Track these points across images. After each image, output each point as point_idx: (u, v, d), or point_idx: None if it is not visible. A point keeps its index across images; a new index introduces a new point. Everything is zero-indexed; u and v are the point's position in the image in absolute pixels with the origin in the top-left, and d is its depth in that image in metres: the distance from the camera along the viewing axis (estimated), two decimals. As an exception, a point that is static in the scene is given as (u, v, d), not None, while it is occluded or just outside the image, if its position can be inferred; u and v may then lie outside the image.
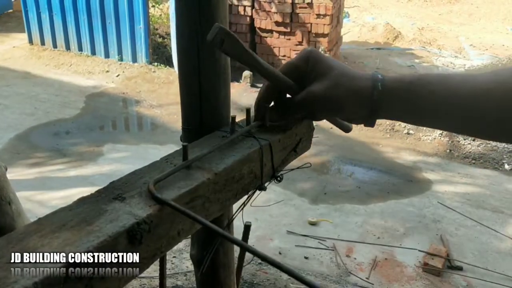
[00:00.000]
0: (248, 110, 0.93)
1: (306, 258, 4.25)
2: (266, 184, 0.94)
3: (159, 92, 7.82)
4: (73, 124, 6.77)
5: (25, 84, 8.03)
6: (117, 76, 8.44)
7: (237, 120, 0.95)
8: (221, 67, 0.92)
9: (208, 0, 0.92)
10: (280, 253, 4.28)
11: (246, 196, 0.94)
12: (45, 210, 4.59)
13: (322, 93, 0.76)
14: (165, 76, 8.28)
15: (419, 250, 4.31)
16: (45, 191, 5.02)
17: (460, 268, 4.12)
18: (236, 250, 1.28)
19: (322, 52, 0.73)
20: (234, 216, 1.08)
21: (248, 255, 1.27)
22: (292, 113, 0.82)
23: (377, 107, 0.74)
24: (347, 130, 0.92)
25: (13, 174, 4.72)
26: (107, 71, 8.61)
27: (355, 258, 4.25)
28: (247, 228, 1.16)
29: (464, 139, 6.32)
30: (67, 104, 7.38)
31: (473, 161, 6.01)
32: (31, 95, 7.61)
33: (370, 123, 0.78)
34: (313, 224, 4.67)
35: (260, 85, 7.53)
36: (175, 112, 7.00)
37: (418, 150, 6.25)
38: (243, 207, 0.99)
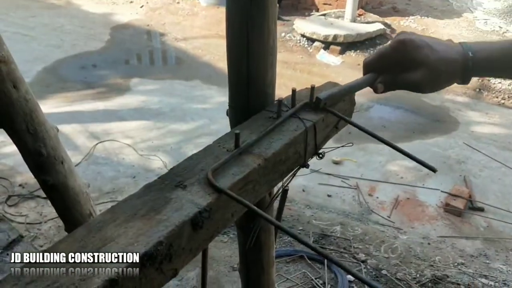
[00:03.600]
0: (294, 91, 0.96)
1: (329, 196, 4.36)
2: (308, 161, 0.99)
3: (184, 25, 7.72)
4: (100, 57, 6.80)
5: (49, 15, 8.00)
6: (141, 7, 8.32)
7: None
8: (268, 49, 0.94)
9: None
10: (303, 191, 4.40)
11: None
12: (75, 145, 4.73)
13: (422, 80, 0.91)
14: (189, 7, 8.13)
15: (442, 191, 4.37)
16: (75, 124, 5.14)
17: (481, 209, 4.19)
18: (274, 209, 1.35)
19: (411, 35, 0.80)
20: (276, 195, 1.14)
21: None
22: (394, 89, 0.96)
23: (469, 77, 0.93)
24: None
25: (44, 106, 4.83)
26: (131, 2, 8.48)
27: (377, 197, 4.35)
28: (284, 192, 1.22)
29: (495, 79, 6.17)
30: (93, 36, 7.38)
31: (503, 101, 5.90)
32: (56, 27, 7.60)
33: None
34: (337, 163, 4.75)
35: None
36: (200, 46, 6.95)
37: (447, 89, 6.11)
38: (285, 185, 1.05)
